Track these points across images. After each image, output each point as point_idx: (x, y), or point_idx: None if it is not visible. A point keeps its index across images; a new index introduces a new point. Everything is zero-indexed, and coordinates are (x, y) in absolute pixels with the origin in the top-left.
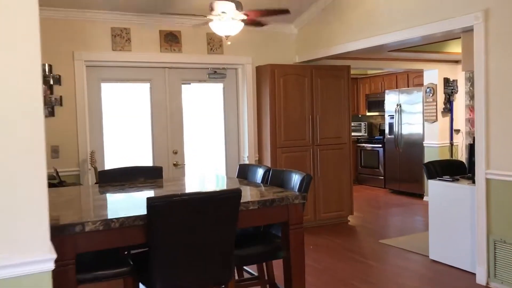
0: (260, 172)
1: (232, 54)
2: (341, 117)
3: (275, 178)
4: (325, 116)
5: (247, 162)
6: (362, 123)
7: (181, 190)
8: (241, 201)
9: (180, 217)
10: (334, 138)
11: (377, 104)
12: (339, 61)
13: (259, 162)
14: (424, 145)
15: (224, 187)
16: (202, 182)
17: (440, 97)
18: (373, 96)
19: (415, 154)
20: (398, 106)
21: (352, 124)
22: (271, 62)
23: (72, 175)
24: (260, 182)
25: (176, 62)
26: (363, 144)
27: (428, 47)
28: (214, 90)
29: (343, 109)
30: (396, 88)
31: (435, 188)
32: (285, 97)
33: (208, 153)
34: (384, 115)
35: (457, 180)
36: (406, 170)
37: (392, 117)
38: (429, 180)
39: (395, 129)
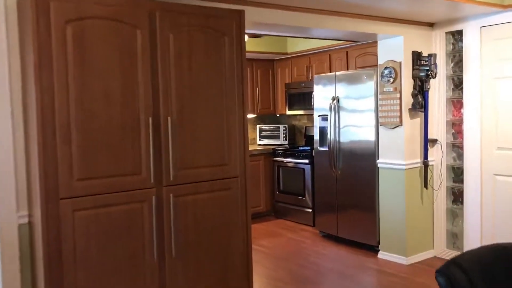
0: None
1: None
2: (225, 121)
3: None
4: (189, 119)
5: None
6: (281, 126)
7: None
8: None
9: None
10: (210, 167)
11: (302, 98)
12: (225, 5)
13: (31, 226)
14: (379, 165)
15: None
16: None
17: (407, 84)
18: (296, 87)
19: (364, 179)
20: (335, 101)
21: (267, 127)
22: None
23: None
24: None
25: None
26: (282, 158)
27: None
28: None
29: (230, 102)
30: (330, 71)
31: None
32: (82, 72)
33: None
34: (313, 115)
35: None
36: (348, 205)
37: (324, 118)
38: None
39: (330, 137)
